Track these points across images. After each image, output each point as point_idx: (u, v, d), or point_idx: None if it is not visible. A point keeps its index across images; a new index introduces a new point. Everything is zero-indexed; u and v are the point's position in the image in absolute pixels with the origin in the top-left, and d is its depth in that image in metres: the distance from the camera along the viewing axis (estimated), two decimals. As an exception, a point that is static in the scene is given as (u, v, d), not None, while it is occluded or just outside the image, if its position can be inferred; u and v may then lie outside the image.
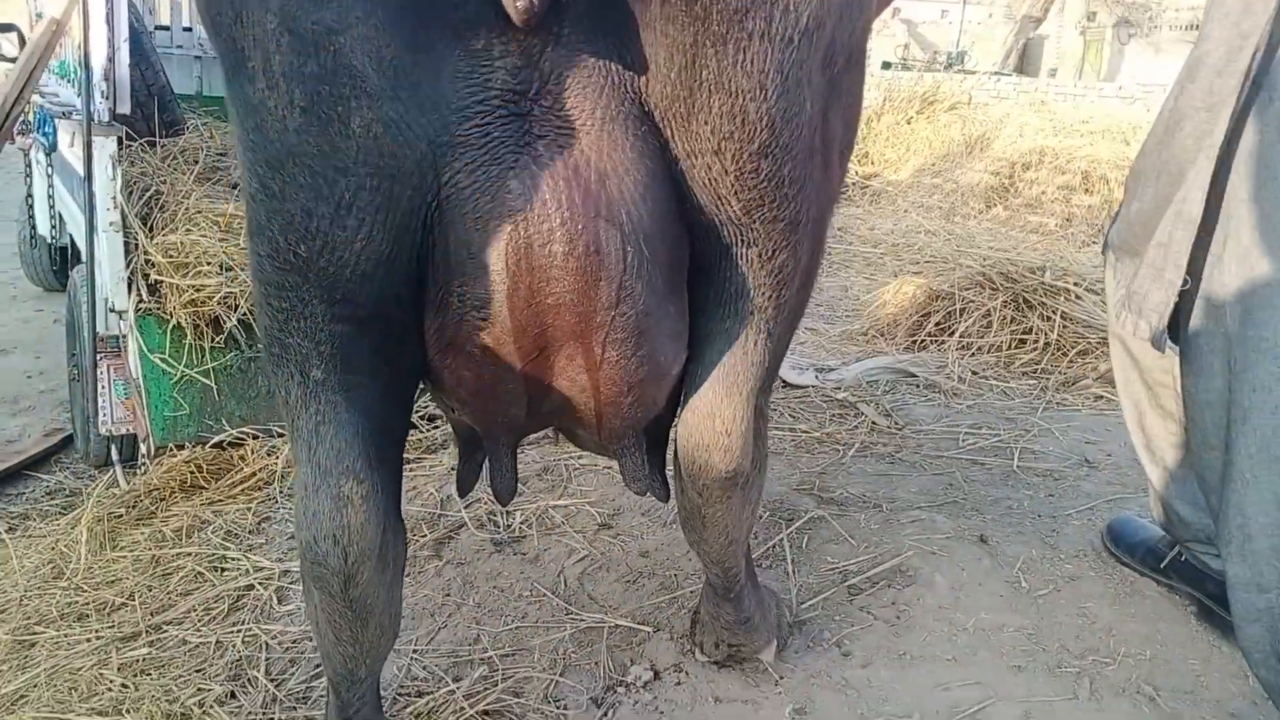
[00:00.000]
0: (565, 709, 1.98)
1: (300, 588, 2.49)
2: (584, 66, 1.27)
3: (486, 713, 1.98)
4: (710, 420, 1.54)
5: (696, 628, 2.04)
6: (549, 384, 1.45)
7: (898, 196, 10.34)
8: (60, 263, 5.70)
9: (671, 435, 1.76)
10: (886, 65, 14.32)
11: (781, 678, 2.00)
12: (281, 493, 3.09)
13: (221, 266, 3.43)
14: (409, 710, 2.00)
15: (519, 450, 2.83)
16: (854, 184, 10.80)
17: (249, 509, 3.00)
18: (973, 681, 1.97)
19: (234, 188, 4.12)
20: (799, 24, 1.26)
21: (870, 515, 2.58)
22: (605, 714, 1.96)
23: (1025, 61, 19.20)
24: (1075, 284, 4.05)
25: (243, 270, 3.43)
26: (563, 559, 2.47)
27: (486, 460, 1.76)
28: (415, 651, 2.18)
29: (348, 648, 1.56)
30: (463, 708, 1.97)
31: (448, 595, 2.37)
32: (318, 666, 2.19)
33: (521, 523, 2.66)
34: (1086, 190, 10.23)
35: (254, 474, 3.21)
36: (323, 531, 1.42)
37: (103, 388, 3.61)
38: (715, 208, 1.39)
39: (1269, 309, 1.54)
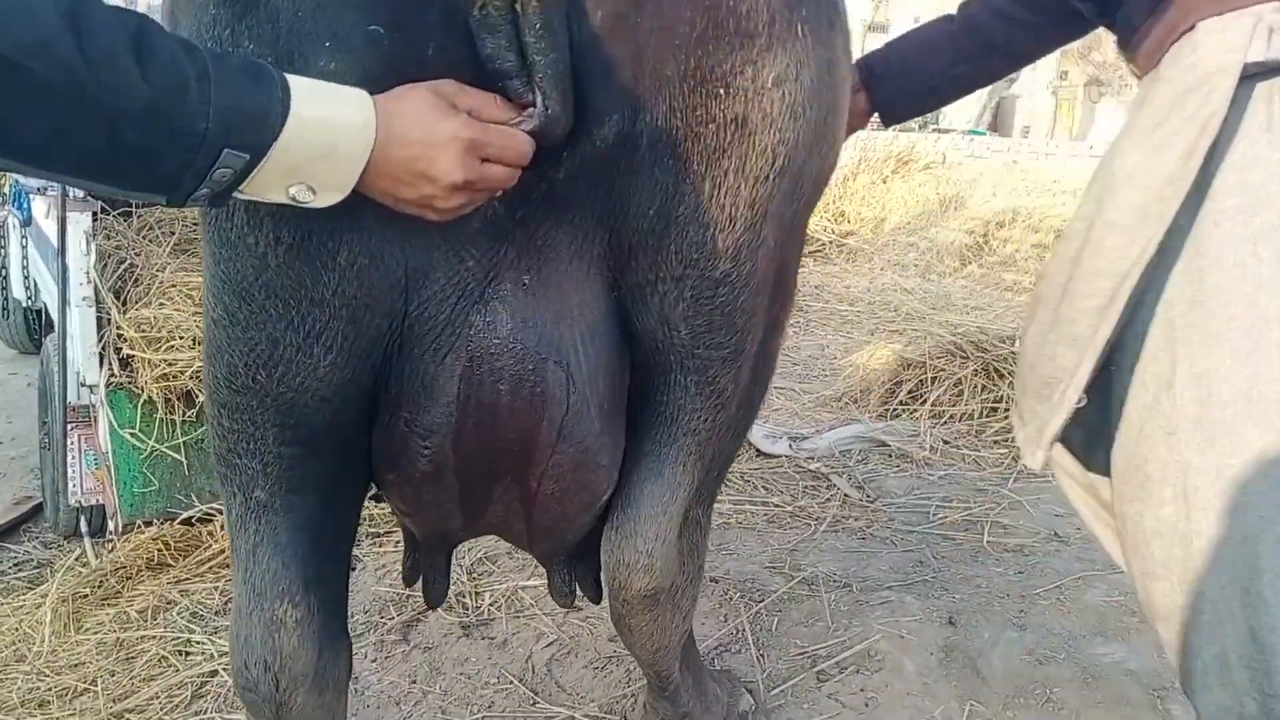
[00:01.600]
0: (530, 804, 1.96)
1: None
2: (566, 207, 1.28)
3: (451, 808, 1.96)
4: (632, 539, 1.53)
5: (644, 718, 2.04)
6: (485, 508, 1.46)
7: (874, 255, 10.43)
8: (35, 326, 5.69)
9: None
10: (862, 124, 14.64)
11: (749, 770, 1.99)
12: (250, 570, 3.06)
13: (194, 341, 3.43)
14: (372, 806, 1.98)
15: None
16: (830, 242, 10.91)
17: (216, 588, 2.97)
18: (940, 773, 1.97)
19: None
20: (773, 164, 1.30)
21: (840, 595, 2.58)
22: (571, 809, 1.94)
23: (999, 120, 19.55)
24: (1045, 353, 4.08)
25: (215, 343, 3.43)
26: (531, 643, 2.46)
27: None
28: (380, 743, 2.15)
29: None
30: (426, 804, 1.95)
31: (414, 682, 2.35)
32: (281, 759, 2.16)
33: (491, 604, 2.65)
34: (1059, 249, 10.39)
35: (222, 551, 3.18)
36: (254, 657, 1.39)
37: (73, 458, 3.58)
38: (663, 334, 1.40)
39: (1231, 436, 1.51)
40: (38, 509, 4.17)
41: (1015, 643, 2.35)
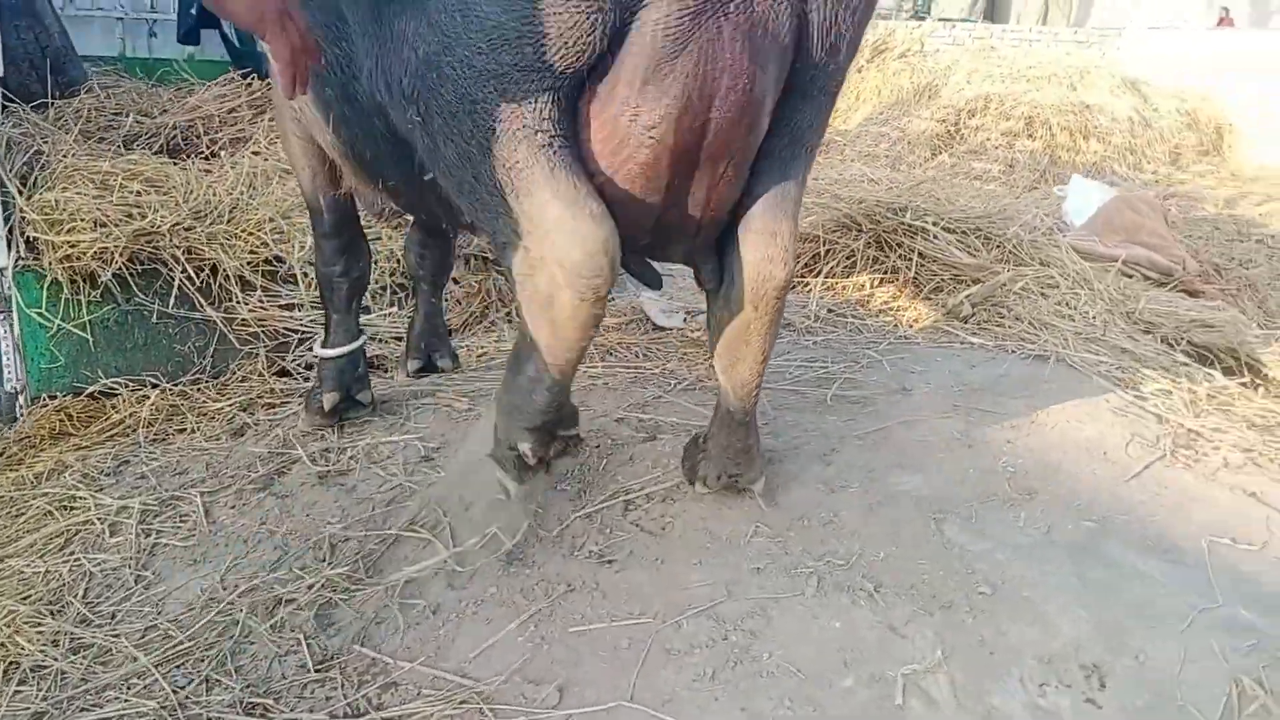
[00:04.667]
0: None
1: (130, 521, 2.66)
2: None
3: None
4: (773, 238, 1.91)
5: (701, 463, 2.34)
6: (676, 199, 1.86)
7: (845, 146, 10.42)
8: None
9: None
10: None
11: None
12: (145, 439, 3.24)
13: (95, 223, 3.56)
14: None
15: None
16: (802, 134, 10.83)
17: (110, 452, 3.16)
18: (711, 582, 2.15)
19: (119, 146, 4.27)
20: None
21: (671, 441, 2.74)
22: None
23: (994, 8, 19.08)
24: (934, 224, 4.18)
25: (117, 226, 3.56)
26: (374, 489, 2.64)
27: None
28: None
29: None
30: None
31: (263, 524, 2.54)
32: (128, 591, 2.37)
33: (350, 457, 2.83)
34: (1029, 136, 10.35)
35: (122, 420, 3.37)
36: (586, 246, 1.78)
37: (6, 347, 3.75)
38: (825, 54, 1.78)
39: None
40: (-25, 396, 4.37)
41: (817, 476, 2.51)
